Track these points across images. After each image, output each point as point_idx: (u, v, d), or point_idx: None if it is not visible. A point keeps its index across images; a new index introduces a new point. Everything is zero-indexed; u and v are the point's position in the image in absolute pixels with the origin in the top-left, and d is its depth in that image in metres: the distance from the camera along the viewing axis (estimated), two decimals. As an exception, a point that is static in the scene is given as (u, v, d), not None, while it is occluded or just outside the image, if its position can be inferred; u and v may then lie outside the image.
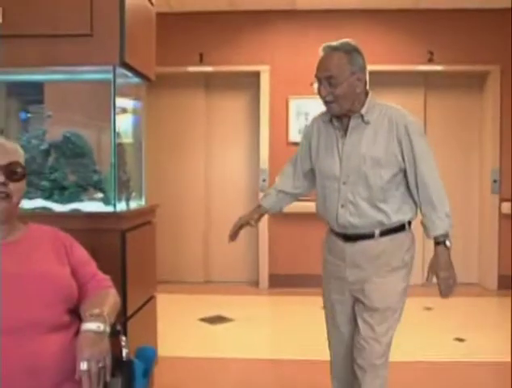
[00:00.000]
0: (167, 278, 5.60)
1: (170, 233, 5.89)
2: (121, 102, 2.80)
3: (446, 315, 4.71)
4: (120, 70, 2.65)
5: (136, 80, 2.96)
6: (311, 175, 2.39)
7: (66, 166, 2.71)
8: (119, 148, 2.69)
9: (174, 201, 5.97)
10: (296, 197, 2.52)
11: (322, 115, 2.29)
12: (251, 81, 5.88)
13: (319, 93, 2.14)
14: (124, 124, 2.98)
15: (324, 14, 5.66)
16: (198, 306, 5.10)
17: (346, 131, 2.19)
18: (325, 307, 2.40)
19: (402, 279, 2.22)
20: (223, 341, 4.20)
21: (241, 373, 3.50)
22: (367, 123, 2.16)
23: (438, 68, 5.71)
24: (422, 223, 2.18)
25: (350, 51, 2.14)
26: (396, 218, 2.18)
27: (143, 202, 3.05)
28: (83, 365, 1.48)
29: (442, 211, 2.14)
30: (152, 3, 3.00)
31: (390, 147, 2.14)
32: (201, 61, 5.76)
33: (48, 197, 2.68)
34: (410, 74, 5.85)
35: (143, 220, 2.85)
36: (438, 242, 2.15)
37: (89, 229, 2.41)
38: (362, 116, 2.16)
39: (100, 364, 1.49)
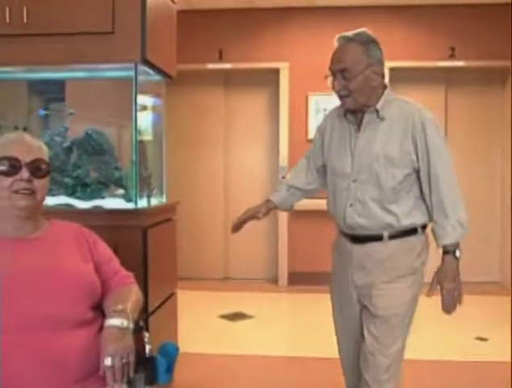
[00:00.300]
0: (187, 275, 5.62)
1: (190, 230, 5.92)
2: (142, 99, 2.81)
3: (468, 314, 4.64)
4: (141, 67, 2.66)
5: (156, 77, 2.96)
6: (323, 171, 2.26)
7: (88, 163, 2.73)
8: (140, 145, 2.70)
9: (193, 198, 5.99)
10: (308, 194, 2.38)
11: (337, 109, 2.17)
12: (270, 78, 5.87)
13: (333, 87, 2.02)
14: (145, 121, 2.99)
15: (343, 10, 5.63)
16: (217, 303, 5.11)
17: (360, 126, 2.07)
18: (333, 310, 2.28)
19: (411, 286, 2.06)
20: (243, 338, 4.20)
21: (261, 370, 3.50)
22: (382, 119, 2.03)
23: (460, 64, 5.65)
24: (432, 230, 2.04)
25: (366, 42, 2.00)
26: (406, 222, 2.04)
27: (164, 199, 3.07)
28: (107, 361, 1.49)
29: (455, 218, 1.98)
30: (173, 1, 3.01)
31: (404, 145, 2.00)
32: (220, 58, 5.77)
33: (71, 194, 2.71)
34: (431, 71, 5.80)
35: (164, 217, 2.87)
36: (447, 250, 2.00)
37: (111, 226, 2.42)
38: (377, 111, 2.03)
39: (124, 360, 1.50)
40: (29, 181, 1.66)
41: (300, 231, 5.74)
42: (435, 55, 5.65)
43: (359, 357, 2.13)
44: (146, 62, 2.58)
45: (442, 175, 2.00)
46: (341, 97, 2.04)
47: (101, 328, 1.63)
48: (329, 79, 2.03)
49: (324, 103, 5.59)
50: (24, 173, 1.65)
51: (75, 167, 2.74)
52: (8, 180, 1.64)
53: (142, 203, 2.67)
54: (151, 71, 2.80)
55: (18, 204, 1.65)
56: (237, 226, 2.37)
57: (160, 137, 3.18)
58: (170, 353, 1.67)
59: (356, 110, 2.06)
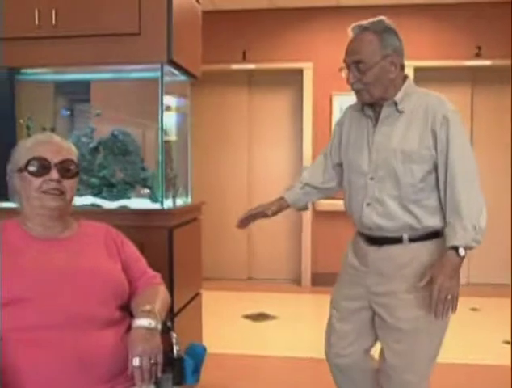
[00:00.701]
0: (210, 275, 5.63)
1: (213, 230, 5.93)
2: (167, 99, 2.82)
3: (494, 317, 4.60)
4: (167, 68, 2.66)
5: (182, 78, 2.97)
6: (341, 169, 2.14)
7: (114, 164, 2.74)
8: (166, 145, 2.71)
9: (217, 199, 6.00)
10: (325, 193, 2.26)
11: (355, 103, 2.06)
12: (294, 78, 5.86)
13: (347, 79, 1.91)
14: (170, 121, 3.00)
15: (367, 9, 5.57)
16: (241, 303, 5.12)
17: (378, 120, 1.95)
18: (333, 316, 2.16)
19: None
20: (266, 339, 4.20)
21: (285, 371, 3.49)
22: (401, 112, 1.90)
23: (486, 63, 5.57)
24: (444, 232, 1.87)
25: (383, 31, 1.87)
26: (428, 223, 1.90)
27: (189, 199, 3.07)
28: (135, 361, 1.50)
29: (470, 221, 1.80)
30: (198, 1, 3.01)
31: (424, 139, 1.86)
32: (244, 59, 5.77)
33: (97, 194, 2.72)
34: (457, 70, 5.73)
35: (189, 217, 2.87)
36: (453, 247, 1.81)
37: (136, 226, 2.43)
38: (395, 104, 1.91)
39: (152, 361, 1.51)
40: (58, 182, 1.68)
41: (323, 232, 5.71)
42: (461, 54, 5.58)
43: (366, 372, 2.06)
44: (172, 63, 2.59)
45: (461, 174, 1.84)
46: (356, 90, 1.94)
47: (128, 328, 1.64)
48: (344, 71, 1.93)
49: (348, 102, 5.52)
50: (54, 174, 1.67)
51: (101, 168, 2.75)
52: (38, 181, 1.66)
53: (168, 203, 2.68)
54: (176, 72, 2.80)
55: (48, 204, 1.67)
56: (244, 221, 2.25)
57: (185, 138, 3.18)
58: (198, 354, 1.67)
59: (373, 103, 1.95)
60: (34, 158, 1.67)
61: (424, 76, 5.46)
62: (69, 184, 1.71)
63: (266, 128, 6.10)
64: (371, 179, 1.94)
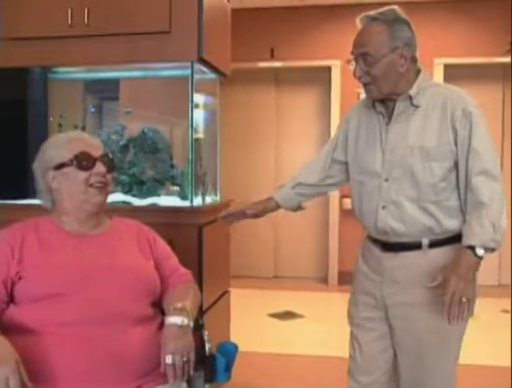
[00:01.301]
0: (237, 273, 5.64)
1: (240, 228, 5.92)
2: (197, 97, 2.83)
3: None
4: (197, 66, 2.67)
5: (211, 76, 2.98)
6: (346, 167, 2.01)
7: (144, 161, 2.77)
8: (196, 143, 2.72)
9: (244, 197, 5.96)
10: (321, 192, 2.13)
11: (365, 100, 1.91)
12: (322, 76, 5.82)
13: (354, 73, 1.78)
14: (200, 119, 3.01)
15: (395, 6, 5.53)
16: (267, 302, 5.11)
17: (390, 117, 1.82)
18: (353, 334, 1.98)
19: None
20: (294, 337, 4.19)
21: (312, 369, 3.48)
22: (416, 107, 1.78)
23: (519, 59, 5.47)
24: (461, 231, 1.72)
25: (392, 21, 1.74)
26: (450, 226, 1.76)
27: (218, 197, 3.08)
28: (168, 359, 1.50)
29: (488, 218, 1.65)
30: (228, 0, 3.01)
31: (443, 135, 1.74)
32: (272, 57, 5.76)
33: (127, 191, 2.75)
34: (488, 67, 5.63)
35: (218, 215, 2.87)
36: (469, 246, 1.66)
37: (166, 224, 2.43)
38: (410, 98, 1.78)
39: (184, 359, 1.51)
40: (104, 175, 1.71)
41: (350, 230, 5.67)
42: (492, 51, 5.48)
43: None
44: (202, 61, 2.60)
45: (483, 172, 1.71)
46: (364, 85, 1.80)
47: (160, 325, 1.64)
48: (352, 64, 1.80)
49: (376, 100, 5.51)
50: (100, 167, 1.70)
51: (131, 165, 2.78)
52: (85, 174, 1.69)
53: (197, 201, 2.69)
54: (206, 70, 2.81)
55: (93, 199, 1.70)
56: (225, 218, 2.14)
57: (214, 136, 3.19)
58: (229, 352, 1.67)
59: (384, 99, 1.82)
60: (80, 153, 1.69)
61: (454, 73, 5.39)
62: (110, 177, 1.75)
63: (294, 126, 6.08)
64: (386, 180, 1.80)
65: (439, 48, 5.43)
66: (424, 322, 1.77)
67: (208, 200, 2.88)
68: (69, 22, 2.51)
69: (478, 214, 1.68)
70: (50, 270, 1.58)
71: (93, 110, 3.31)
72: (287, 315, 4.66)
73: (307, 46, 5.71)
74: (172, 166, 2.79)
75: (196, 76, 2.67)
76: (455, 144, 1.74)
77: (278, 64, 5.78)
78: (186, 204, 2.63)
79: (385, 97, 1.80)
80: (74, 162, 1.68)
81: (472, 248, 1.65)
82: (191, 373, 1.54)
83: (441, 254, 1.77)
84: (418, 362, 1.81)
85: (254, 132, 6.10)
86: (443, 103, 1.76)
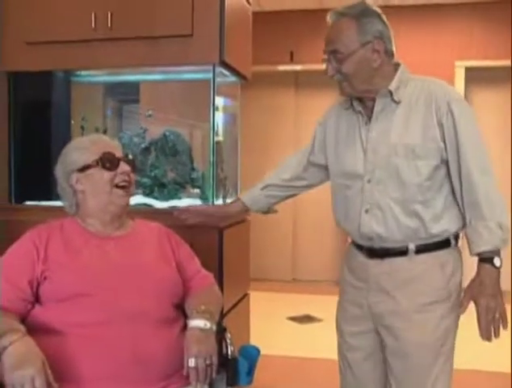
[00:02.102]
0: (254, 275, 5.64)
1: (258, 231, 5.93)
2: (218, 100, 2.83)
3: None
4: (218, 69, 2.67)
5: (232, 79, 2.98)
6: (323, 170, 1.95)
7: (166, 164, 2.78)
8: (217, 146, 2.72)
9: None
10: (294, 193, 2.07)
11: (344, 100, 1.84)
12: (341, 79, 5.80)
13: (326, 71, 1.71)
14: (221, 122, 3.01)
15: (416, 9, 5.50)
16: (286, 305, 5.10)
17: (370, 116, 1.73)
18: (340, 345, 1.90)
19: (445, 315, 1.69)
20: (313, 341, 4.17)
21: (332, 373, 3.44)
22: (398, 102, 1.69)
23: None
24: (466, 235, 1.67)
25: (360, 15, 1.66)
26: (436, 229, 1.68)
27: (238, 200, 3.08)
28: (191, 362, 1.51)
29: (493, 219, 1.59)
30: (249, 2, 3.02)
31: (429, 131, 1.65)
32: (291, 60, 5.76)
33: (148, 194, 2.76)
34: (509, 70, 5.56)
35: (239, 218, 2.87)
36: (484, 258, 1.61)
37: (187, 226, 2.44)
38: (390, 94, 1.68)
39: (207, 362, 1.52)
40: (128, 174, 1.74)
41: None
42: (514, 53, 5.43)
43: None
44: (224, 64, 2.60)
45: (476, 167, 1.63)
46: (338, 83, 1.72)
47: (183, 328, 1.65)
48: (326, 63, 1.72)
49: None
50: (124, 166, 1.73)
51: (153, 168, 2.79)
52: (110, 174, 1.71)
53: (218, 203, 2.69)
54: (227, 73, 2.81)
55: (118, 201, 1.72)
56: (180, 213, 2.07)
57: (235, 139, 3.19)
58: (251, 355, 1.67)
59: (362, 97, 1.74)
60: (105, 153, 1.71)
61: (475, 76, 5.35)
62: (133, 177, 1.77)
63: (313, 130, 6.04)
64: (369, 181, 1.71)
65: (460, 51, 5.39)
66: (410, 330, 1.68)
67: (229, 202, 2.88)
68: (93, 26, 2.53)
69: (480, 215, 1.61)
70: (74, 271, 1.60)
71: (111, 113, 3.33)
72: (306, 319, 4.65)
73: (326, 49, 5.70)
74: (193, 169, 2.80)
75: (217, 79, 2.68)
76: (443, 140, 1.65)
77: (297, 67, 5.78)
78: (207, 206, 2.64)
79: (360, 94, 1.73)
80: (99, 163, 1.70)
81: (490, 260, 1.60)
82: (214, 376, 1.54)
83: (428, 260, 1.69)
84: (407, 375, 1.70)
85: (274, 135, 6.10)
86: (427, 96, 1.67)
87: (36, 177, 2.78)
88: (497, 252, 1.61)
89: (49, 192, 2.62)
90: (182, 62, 2.60)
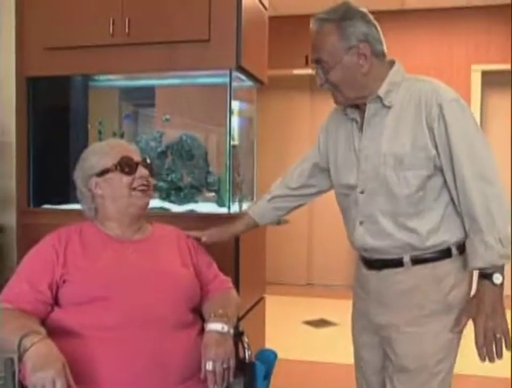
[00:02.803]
0: (269, 279, 5.63)
1: (274, 235, 5.93)
2: (234, 104, 2.85)
3: None
4: (235, 74, 2.69)
5: (248, 83, 2.99)
6: (326, 176, 1.86)
7: (182, 168, 2.79)
8: (233, 150, 2.73)
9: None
10: (303, 202, 1.97)
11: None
12: (357, 82, 5.79)
13: (316, 81, 1.63)
14: (237, 126, 3.02)
15: (434, 12, 5.47)
16: (301, 309, 5.09)
17: (363, 123, 1.63)
18: (353, 352, 1.86)
19: (444, 329, 1.58)
20: (328, 345, 4.16)
21: (347, 378, 3.43)
22: (389, 107, 1.57)
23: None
24: (466, 247, 1.56)
25: (341, 18, 1.54)
26: (433, 240, 1.56)
27: (254, 204, 3.08)
28: (208, 365, 1.51)
29: (492, 233, 1.46)
30: (265, 7, 3.03)
31: (418, 138, 1.52)
32: (307, 64, 5.75)
33: (165, 198, 2.77)
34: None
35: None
36: (483, 274, 1.50)
37: (203, 230, 2.46)
38: (380, 99, 1.57)
39: (225, 365, 1.52)
40: (147, 178, 1.75)
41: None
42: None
43: None
44: (240, 69, 2.61)
45: (472, 174, 1.48)
46: (331, 92, 1.64)
47: (200, 332, 1.65)
48: (315, 73, 1.63)
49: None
50: (142, 170, 1.74)
51: (169, 171, 2.81)
52: (129, 178, 1.72)
53: (234, 208, 2.70)
54: (244, 77, 2.82)
55: (138, 202, 1.74)
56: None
57: (251, 142, 3.20)
58: (269, 359, 1.67)
59: (357, 104, 1.63)
60: (123, 158, 1.73)
61: (492, 80, 5.31)
62: (152, 181, 1.79)
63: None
64: (362, 192, 1.62)
65: (477, 55, 5.35)
66: (406, 343, 1.61)
67: (245, 206, 2.89)
68: (111, 31, 2.56)
69: (477, 227, 1.49)
70: (93, 274, 1.61)
71: (127, 119, 3.35)
72: (322, 323, 4.64)
73: (342, 53, 5.69)
74: (209, 173, 2.82)
75: (234, 83, 2.69)
76: (435, 147, 1.52)
77: (312, 71, 5.76)
78: (224, 210, 2.65)
79: (354, 102, 1.63)
80: (118, 167, 1.72)
81: (489, 276, 1.48)
82: (231, 379, 1.54)
83: (425, 271, 1.59)
84: (404, 385, 1.61)
85: (289, 139, 6.10)
86: (417, 99, 1.54)
87: (54, 181, 2.81)
88: (498, 268, 1.48)
89: (67, 196, 2.65)
90: (199, 67, 2.62)
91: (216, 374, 1.51)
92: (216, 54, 2.55)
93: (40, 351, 1.37)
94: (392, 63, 1.63)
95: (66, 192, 2.62)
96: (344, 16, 1.55)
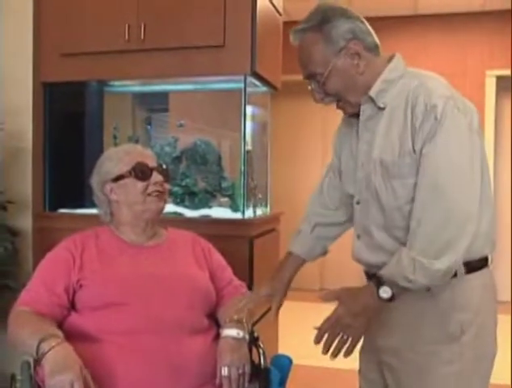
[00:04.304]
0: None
1: (288, 241, 5.92)
2: (248, 110, 2.85)
3: None
4: (249, 79, 2.69)
5: (262, 89, 2.99)
6: None
7: (196, 173, 2.80)
8: (247, 155, 2.73)
9: (290, 209, 5.98)
10: (350, 225, 1.69)
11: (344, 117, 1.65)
12: (370, 88, 5.78)
13: (314, 99, 1.52)
14: (251, 132, 3.03)
15: (448, 17, 5.45)
16: (314, 314, 5.04)
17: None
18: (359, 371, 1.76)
19: (453, 359, 1.38)
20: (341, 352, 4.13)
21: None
22: (383, 108, 1.43)
23: None
24: None
25: (321, 23, 1.42)
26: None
27: (268, 209, 3.09)
28: (224, 371, 1.52)
29: (415, 251, 1.30)
30: (280, 13, 3.03)
31: (404, 142, 1.36)
32: (320, 69, 5.75)
33: (179, 203, 2.78)
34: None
35: (268, 227, 2.88)
36: (378, 280, 1.33)
37: (217, 235, 2.45)
38: (372, 100, 1.44)
39: (240, 371, 1.52)
40: (161, 184, 1.75)
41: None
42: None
43: None
44: (255, 74, 2.62)
45: (429, 185, 1.31)
46: (336, 105, 1.52)
47: (215, 337, 1.66)
48: (311, 90, 1.51)
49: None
50: (157, 176, 1.75)
51: (184, 177, 2.82)
52: (143, 184, 1.73)
53: (248, 213, 2.70)
54: (258, 83, 2.83)
55: (152, 207, 1.74)
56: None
57: (265, 148, 3.20)
58: (284, 365, 1.67)
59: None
60: (138, 163, 1.74)
61: (507, 85, 5.27)
62: (166, 187, 1.79)
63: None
64: (358, 203, 1.51)
65: (491, 60, 5.32)
66: (408, 372, 1.45)
67: (259, 212, 2.90)
68: (126, 37, 2.57)
69: (409, 244, 1.32)
70: (108, 279, 1.62)
71: (149, 127, 3.36)
72: (334, 329, 4.61)
73: (355, 58, 5.68)
74: (224, 178, 2.82)
75: (248, 89, 2.70)
76: (420, 151, 1.35)
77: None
78: (238, 216, 2.65)
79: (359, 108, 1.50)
80: (132, 173, 1.73)
81: (378, 285, 1.32)
82: (246, 385, 1.54)
83: (431, 292, 1.40)
84: None
85: (302, 144, 6.10)
86: (406, 98, 1.39)
87: (70, 185, 2.83)
88: (395, 284, 1.31)
89: (82, 200, 2.67)
90: (214, 73, 2.62)
91: (231, 380, 1.51)
92: (231, 60, 2.56)
93: (58, 354, 1.38)
94: (391, 58, 1.49)
95: (82, 197, 2.64)
96: (323, 20, 1.43)
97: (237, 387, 1.52)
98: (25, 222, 2.74)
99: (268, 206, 3.10)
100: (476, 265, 1.42)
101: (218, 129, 3.17)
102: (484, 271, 1.44)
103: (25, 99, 2.75)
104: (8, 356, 2.73)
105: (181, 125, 2.99)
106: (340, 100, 1.48)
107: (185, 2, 2.57)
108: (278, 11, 3.00)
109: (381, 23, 5.55)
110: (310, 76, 1.47)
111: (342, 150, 1.63)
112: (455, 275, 1.37)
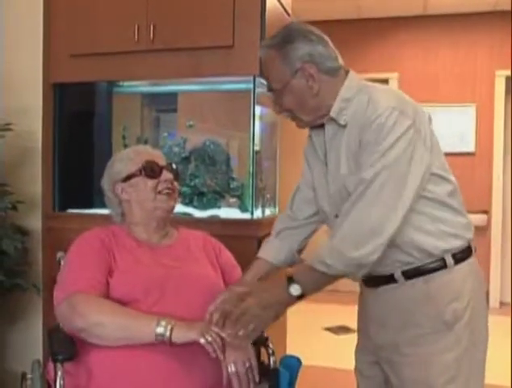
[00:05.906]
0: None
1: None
2: (257, 110, 2.85)
3: None
4: (258, 80, 2.69)
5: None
6: None
7: (205, 173, 2.81)
8: (256, 156, 2.74)
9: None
10: (315, 229, 1.78)
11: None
12: (379, 88, 5.76)
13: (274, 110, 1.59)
14: (260, 132, 3.03)
15: (457, 18, 5.44)
16: (322, 315, 5.07)
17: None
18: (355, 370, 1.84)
19: (448, 348, 1.44)
20: (348, 352, 4.11)
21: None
22: (344, 125, 1.48)
23: None
24: None
25: (282, 43, 1.48)
26: (423, 253, 1.45)
27: (276, 210, 3.08)
28: (230, 368, 1.51)
29: (335, 239, 1.39)
30: (288, 13, 3.03)
31: (360, 158, 1.42)
32: (328, 69, 5.75)
33: (188, 203, 2.79)
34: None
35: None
36: (290, 278, 1.40)
37: (226, 235, 2.45)
38: (334, 120, 1.50)
39: (247, 365, 1.52)
40: (171, 182, 1.77)
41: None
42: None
43: None
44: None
45: (361, 180, 1.39)
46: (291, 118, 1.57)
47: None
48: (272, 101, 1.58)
49: (435, 113, 5.39)
50: (167, 174, 1.76)
51: (193, 177, 2.82)
52: (153, 182, 1.74)
53: (257, 213, 2.70)
54: (266, 83, 2.82)
55: (162, 205, 1.75)
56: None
57: (273, 148, 3.20)
58: (293, 366, 1.66)
59: (319, 124, 1.56)
60: (148, 162, 1.76)
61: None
62: (176, 185, 1.81)
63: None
64: (336, 216, 1.52)
65: (501, 60, 5.30)
66: (408, 366, 1.49)
67: (267, 212, 2.89)
68: (136, 38, 2.58)
69: (336, 235, 1.41)
70: (127, 276, 1.63)
71: (171, 137, 3.35)
72: (343, 330, 4.61)
73: (364, 58, 5.68)
74: (232, 179, 2.82)
75: (257, 89, 2.70)
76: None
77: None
78: (247, 216, 2.65)
79: (316, 123, 1.56)
80: (142, 172, 1.74)
81: (290, 282, 1.39)
82: (257, 379, 1.54)
83: (418, 284, 1.46)
84: None
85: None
86: (359, 115, 1.44)
87: (79, 185, 2.84)
88: (310, 275, 1.41)
89: (92, 200, 2.68)
90: (223, 73, 2.63)
91: (239, 375, 1.51)
92: (240, 60, 2.56)
93: (182, 326, 1.48)
94: (347, 74, 1.53)
95: (91, 197, 2.65)
96: (284, 40, 1.49)
97: (247, 382, 1.51)
98: (35, 222, 2.76)
99: (277, 206, 3.10)
100: (463, 256, 1.48)
101: (227, 130, 3.17)
102: (470, 260, 1.50)
103: (35, 100, 2.77)
104: (18, 355, 2.76)
105: (190, 126, 2.99)
106: (294, 116, 1.54)
107: (194, 3, 2.58)
108: (286, 11, 3.00)
109: (390, 23, 5.59)
110: (270, 89, 1.55)
111: (314, 167, 1.66)
112: (446, 266, 1.45)
